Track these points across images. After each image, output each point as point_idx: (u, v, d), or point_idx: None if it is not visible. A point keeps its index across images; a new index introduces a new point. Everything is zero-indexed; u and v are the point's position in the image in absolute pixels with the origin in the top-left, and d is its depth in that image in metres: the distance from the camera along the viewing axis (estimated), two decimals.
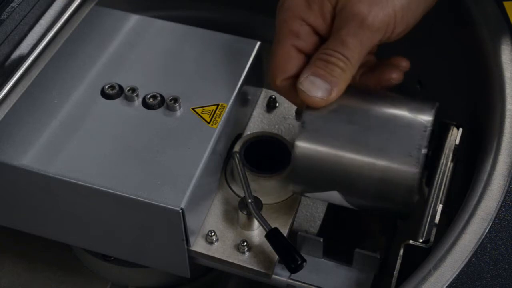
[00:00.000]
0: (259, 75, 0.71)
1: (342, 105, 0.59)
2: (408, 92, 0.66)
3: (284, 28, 0.60)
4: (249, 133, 0.69)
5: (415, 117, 0.58)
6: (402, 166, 0.57)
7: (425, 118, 0.58)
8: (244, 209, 0.62)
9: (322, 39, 0.61)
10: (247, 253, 0.62)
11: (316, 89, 0.58)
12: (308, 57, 0.61)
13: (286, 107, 0.72)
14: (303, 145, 0.59)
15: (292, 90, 0.61)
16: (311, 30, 0.60)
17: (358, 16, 0.57)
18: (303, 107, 0.60)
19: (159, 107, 0.65)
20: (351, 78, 0.59)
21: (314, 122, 0.59)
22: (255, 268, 0.62)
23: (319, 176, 0.59)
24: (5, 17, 0.66)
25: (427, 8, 0.60)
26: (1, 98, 0.63)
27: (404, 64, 0.63)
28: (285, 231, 0.63)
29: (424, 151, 0.57)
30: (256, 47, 0.69)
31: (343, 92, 0.59)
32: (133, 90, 0.65)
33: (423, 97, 0.61)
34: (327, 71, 0.58)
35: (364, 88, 0.62)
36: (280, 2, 0.62)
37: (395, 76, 0.62)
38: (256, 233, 0.63)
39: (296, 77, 0.60)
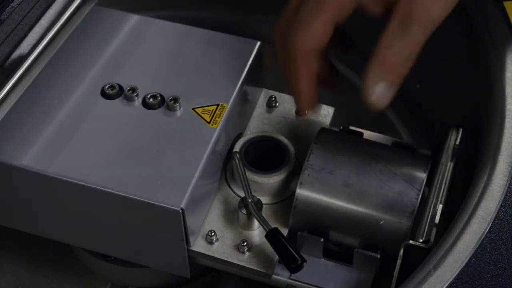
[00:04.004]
0: (259, 75, 0.71)
1: (339, 168, 0.62)
2: (408, 92, 0.66)
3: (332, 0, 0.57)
4: (249, 133, 0.69)
5: (406, 185, 0.60)
6: (387, 231, 0.60)
7: (417, 185, 0.60)
8: (244, 209, 0.62)
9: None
10: (247, 253, 0.62)
11: (384, 98, 0.56)
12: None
13: (286, 107, 0.72)
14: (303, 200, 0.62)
15: (311, 88, 0.59)
16: (355, 7, 0.57)
17: (428, 11, 0.54)
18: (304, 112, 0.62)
19: (159, 107, 0.65)
20: None
21: (312, 182, 0.62)
22: (255, 268, 0.62)
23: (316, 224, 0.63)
24: (5, 17, 0.65)
25: None
26: (1, 98, 0.63)
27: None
28: (285, 231, 0.63)
29: (415, 212, 0.60)
30: (256, 47, 0.69)
31: None
32: (133, 90, 0.65)
33: (417, 157, 0.64)
34: (396, 75, 0.56)
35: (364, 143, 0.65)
36: None
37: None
38: (256, 233, 0.63)
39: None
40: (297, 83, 0.60)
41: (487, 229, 0.56)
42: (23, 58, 0.65)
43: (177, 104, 0.64)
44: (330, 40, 0.58)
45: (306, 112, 0.67)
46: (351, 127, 0.68)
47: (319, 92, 0.62)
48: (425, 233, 0.58)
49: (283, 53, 0.60)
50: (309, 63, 0.59)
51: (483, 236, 0.55)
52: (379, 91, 0.56)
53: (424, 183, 0.61)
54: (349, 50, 0.64)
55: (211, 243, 0.63)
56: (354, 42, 0.64)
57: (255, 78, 0.70)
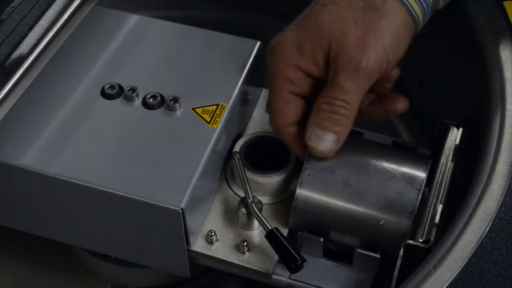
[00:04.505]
0: (259, 75, 0.71)
1: (339, 168, 0.62)
2: (408, 92, 0.66)
3: (278, 76, 0.62)
4: (249, 133, 0.69)
5: (406, 185, 0.60)
6: (387, 231, 0.60)
7: (417, 185, 0.60)
8: (244, 209, 0.62)
9: (317, 80, 0.62)
10: (247, 253, 0.62)
11: (324, 142, 0.60)
12: (305, 99, 0.62)
13: None
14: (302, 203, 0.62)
15: (297, 138, 0.63)
16: (304, 75, 0.61)
17: (352, 62, 0.58)
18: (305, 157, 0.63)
19: (159, 107, 0.65)
20: (354, 120, 0.61)
21: (312, 183, 0.62)
22: (255, 268, 0.62)
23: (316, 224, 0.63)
24: (5, 17, 0.65)
25: (412, 37, 0.61)
26: (1, 98, 0.62)
27: (402, 105, 0.65)
28: (285, 231, 0.63)
29: (415, 212, 0.60)
30: (256, 47, 0.69)
31: (348, 134, 0.61)
32: (133, 90, 0.65)
33: (417, 157, 0.64)
34: (331, 121, 0.60)
35: (362, 142, 0.65)
36: (269, 50, 0.63)
37: (401, 106, 0.64)
38: (256, 233, 0.63)
39: (298, 123, 0.63)
40: (272, 94, 0.63)
41: (487, 229, 0.56)
42: (23, 58, 0.65)
43: (177, 104, 0.64)
44: (304, 111, 0.62)
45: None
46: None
47: (300, 114, 0.64)
48: (425, 233, 0.58)
49: None
50: (292, 133, 0.63)
51: (483, 236, 0.55)
52: (321, 138, 0.60)
53: (424, 183, 0.61)
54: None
55: (211, 243, 0.63)
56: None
57: (255, 78, 0.70)
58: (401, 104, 0.64)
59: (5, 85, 0.63)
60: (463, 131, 0.64)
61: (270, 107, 0.64)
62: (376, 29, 0.58)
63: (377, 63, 0.59)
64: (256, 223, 0.63)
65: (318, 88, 0.62)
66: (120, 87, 0.66)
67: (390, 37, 0.59)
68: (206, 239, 0.63)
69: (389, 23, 0.59)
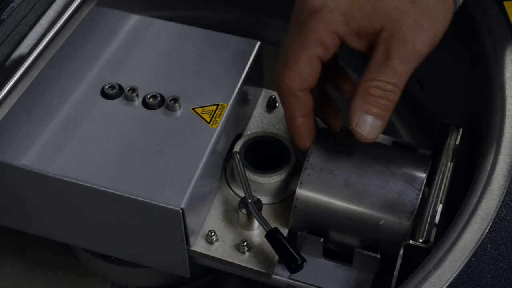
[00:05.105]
0: (259, 75, 0.71)
1: (339, 168, 0.62)
2: (408, 92, 0.66)
3: (314, 37, 0.58)
4: (249, 133, 0.69)
5: (406, 185, 0.60)
6: (387, 231, 0.60)
7: (417, 185, 0.60)
8: (244, 209, 0.62)
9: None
10: (247, 253, 0.62)
11: (373, 129, 0.57)
12: (323, 65, 0.59)
13: None
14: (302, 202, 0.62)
15: (306, 126, 0.61)
16: (338, 45, 0.58)
17: (409, 44, 0.56)
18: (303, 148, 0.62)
19: (159, 107, 0.65)
20: None
21: (312, 183, 0.62)
22: (255, 268, 0.62)
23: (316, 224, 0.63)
24: (5, 17, 0.66)
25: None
26: (1, 98, 0.63)
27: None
28: (285, 231, 0.63)
29: (415, 212, 0.59)
30: (256, 47, 0.69)
31: None
32: (133, 90, 0.65)
33: (417, 157, 0.64)
34: (381, 107, 0.57)
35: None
36: (311, 8, 0.58)
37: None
38: (256, 233, 0.63)
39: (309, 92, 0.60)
40: (292, 121, 0.61)
41: (487, 229, 0.56)
42: (23, 58, 0.65)
43: (177, 104, 0.64)
44: (320, 76, 0.59)
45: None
46: None
47: (317, 127, 0.63)
48: (425, 233, 0.58)
49: (278, 92, 0.61)
50: (302, 101, 0.60)
51: (483, 236, 0.55)
52: (368, 123, 0.57)
53: (424, 183, 0.61)
54: (344, 84, 0.65)
55: (211, 243, 0.63)
56: (349, 75, 0.65)
57: (255, 78, 0.70)
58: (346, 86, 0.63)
59: (5, 85, 0.63)
60: (463, 131, 0.64)
61: (286, 64, 0.59)
62: (432, 12, 0.56)
63: (431, 47, 0.57)
64: (256, 223, 0.63)
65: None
66: (120, 87, 0.66)
67: (441, 21, 0.57)
68: (206, 239, 0.63)
69: (442, 7, 0.57)
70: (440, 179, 0.62)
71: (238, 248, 0.62)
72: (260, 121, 0.71)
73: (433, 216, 0.59)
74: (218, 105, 0.65)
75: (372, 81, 0.57)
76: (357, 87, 0.58)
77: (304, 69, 0.58)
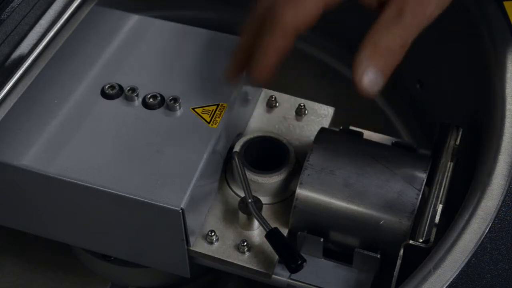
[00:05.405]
0: None
1: (339, 168, 0.62)
2: (408, 92, 0.67)
3: None
4: (249, 133, 0.69)
5: (406, 185, 0.60)
6: (387, 231, 0.60)
7: (417, 185, 0.60)
8: (244, 209, 0.62)
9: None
10: (247, 253, 0.62)
11: (373, 83, 0.55)
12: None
13: (286, 107, 0.72)
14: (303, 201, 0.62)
15: (274, 62, 0.58)
16: None
17: (424, 6, 0.54)
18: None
19: (159, 107, 0.65)
20: None
21: (312, 182, 0.62)
22: (255, 268, 0.62)
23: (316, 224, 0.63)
24: (5, 17, 0.66)
25: None
26: (1, 98, 0.63)
27: None
28: (285, 231, 0.63)
29: (415, 212, 0.59)
30: None
31: None
32: (133, 90, 0.65)
33: (417, 157, 0.64)
34: (386, 63, 0.55)
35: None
36: None
37: None
38: (256, 233, 0.63)
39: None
40: (265, 56, 0.58)
41: (487, 229, 0.56)
42: (23, 58, 0.65)
43: (177, 104, 0.64)
44: (314, 22, 0.57)
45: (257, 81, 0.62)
46: (351, 127, 0.68)
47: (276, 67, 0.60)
48: (425, 233, 0.58)
49: (261, 24, 0.59)
50: (287, 39, 0.58)
51: (483, 236, 0.55)
52: (370, 76, 0.55)
53: (424, 183, 0.61)
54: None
55: (211, 243, 0.63)
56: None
57: None
58: None
59: (5, 85, 0.63)
60: (463, 131, 0.64)
61: (292, 1, 0.56)
62: None
63: (440, 11, 0.55)
64: (256, 223, 0.63)
65: None
66: (120, 87, 0.66)
67: None
68: (206, 239, 0.63)
69: None
70: (440, 179, 0.62)
71: (238, 248, 0.62)
72: (260, 121, 0.71)
73: (433, 216, 0.59)
74: (218, 105, 0.65)
75: (381, 35, 0.55)
76: (365, 38, 0.55)
77: (309, 10, 0.56)
